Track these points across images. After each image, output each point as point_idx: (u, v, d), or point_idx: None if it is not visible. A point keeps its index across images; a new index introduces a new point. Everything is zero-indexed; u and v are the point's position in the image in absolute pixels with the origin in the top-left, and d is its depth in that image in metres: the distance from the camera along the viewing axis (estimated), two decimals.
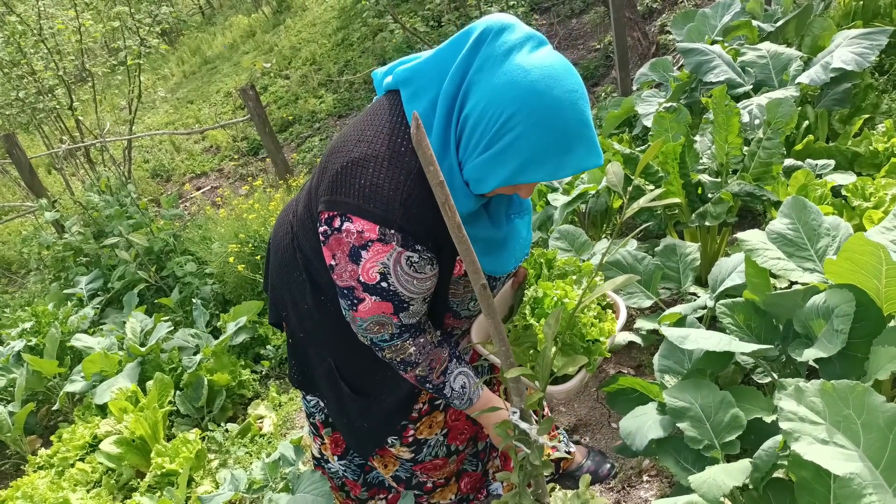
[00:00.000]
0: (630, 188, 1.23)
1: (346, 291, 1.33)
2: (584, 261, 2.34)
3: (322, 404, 1.79)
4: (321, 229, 1.31)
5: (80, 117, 6.40)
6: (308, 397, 1.82)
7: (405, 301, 1.32)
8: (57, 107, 6.23)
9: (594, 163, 1.19)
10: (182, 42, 13.06)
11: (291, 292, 1.62)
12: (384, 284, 1.28)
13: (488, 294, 1.20)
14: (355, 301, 1.33)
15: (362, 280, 1.29)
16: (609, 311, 1.55)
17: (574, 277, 1.56)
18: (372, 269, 1.27)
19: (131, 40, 6.33)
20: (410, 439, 1.67)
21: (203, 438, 2.99)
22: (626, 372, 2.41)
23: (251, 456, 2.88)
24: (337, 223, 1.26)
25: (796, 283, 1.76)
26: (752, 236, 1.77)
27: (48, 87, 6.19)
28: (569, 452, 2.09)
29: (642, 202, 1.13)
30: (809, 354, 1.50)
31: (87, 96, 7.32)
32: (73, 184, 6.66)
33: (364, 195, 1.23)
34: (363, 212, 1.23)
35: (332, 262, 1.31)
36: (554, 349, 1.46)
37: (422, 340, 1.41)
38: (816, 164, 2.57)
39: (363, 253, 1.26)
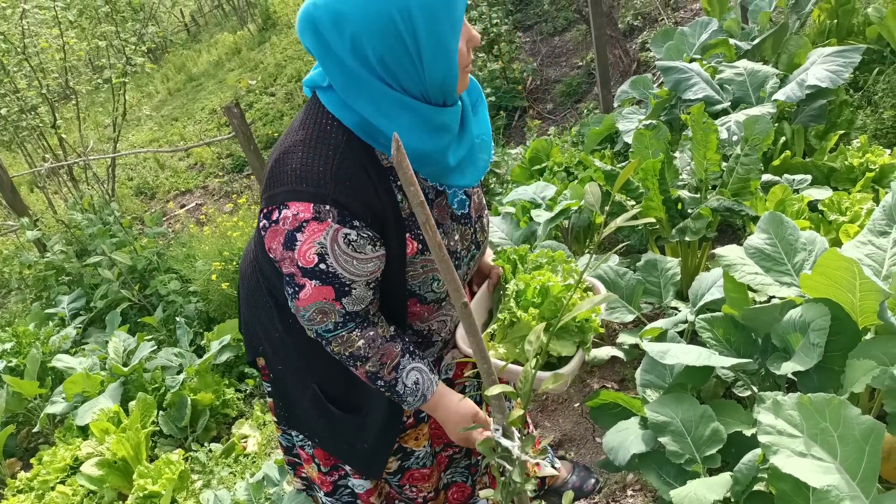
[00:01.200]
0: (609, 205, 1.25)
1: (287, 279, 1.29)
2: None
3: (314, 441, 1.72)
4: (261, 226, 1.28)
5: (63, 135, 6.37)
6: (293, 433, 1.78)
7: (346, 284, 1.27)
8: (40, 125, 6.20)
9: None
10: (167, 59, 13.06)
11: (262, 323, 1.58)
12: (322, 266, 1.24)
13: (469, 312, 1.21)
14: (297, 288, 1.28)
15: (300, 264, 1.24)
16: (590, 293, 1.61)
17: (549, 266, 1.58)
18: (309, 252, 1.23)
19: (116, 59, 6.32)
20: (395, 446, 1.66)
21: (186, 459, 2.97)
22: (609, 386, 2.43)
23: (235, 476, 2.86)
24: (274, 215, 1.24)
25: (774, 297, 1.79)
26: (730, 252, 1.80)
27: (31, 106, 6.16)
28: (555, 468, 2.10)
29: (619, 221, 1.15)
30: (787, 368, 1.52)
31: (71, 114, 7.29)
32: (56, 202, 6.61)
33: (296, 178, 1.22)
34: (296, 194, 1.21)
35: (274, 256, 1.28)
36: (545, 336, 1.48)
37: (371, 333, 1.35)
38: (794, 180, 2.61)
39: (298, 235, 1.22)
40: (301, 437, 1.76)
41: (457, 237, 1.42)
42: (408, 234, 1.32)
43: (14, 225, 5.37)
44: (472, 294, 1.74)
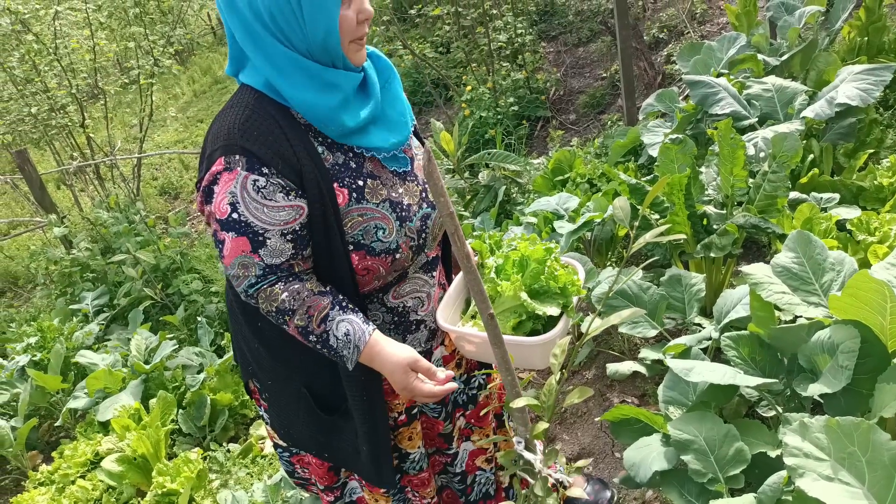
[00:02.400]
0: (638, 220, 1.25)
1: (214, 239, 1.35)
2: (588, 289, 2.37)
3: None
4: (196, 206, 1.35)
5: (91, 134, 6.47)
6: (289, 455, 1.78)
7: (259, 234, 1.29)
8: (69, 124, 6.30)
9: None
10: (193, 62, 13.22)
11: (244, 337, 1.59)
12: (235, 216, 1.27)
13: (495, 323, 1.22)
14: (220, 246, 1.32)
15: (217, 217, 1.29)
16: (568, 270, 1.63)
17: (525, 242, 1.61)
18: (223, 202, 1.28)
19: (144, 60, 6.42)
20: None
21: (205, 458, 2.99)
22: (629, 401, 2.41)
23: (252, 477, 2.88)
24: (202, 186, 1.32)
25: (800, 316, 1.77)
26: (757, 270, 1.79)
27: (60, 105, 6.27)
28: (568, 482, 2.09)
29: (649, 237, 1.15)
30: (814, 390, 1.50)
31: (99, 114, 7.41)
32: (82, 199, 6.71)
33: (212, 140, 1.32)
34: (213, 155, 1.30)
35: (205, 220, 1.35)
36: (526, 296, 1.49)
37: (296, 286, 1.34)
38: (821, 198, 2.59)
39: (215, 188, 1.29)
40: (297, 464, 1.76)
41: (400, 190, 1.43)
42: (335, 184, 1.34)
43: (42, 221, 5.46)
44: (447, 271, 1.75)
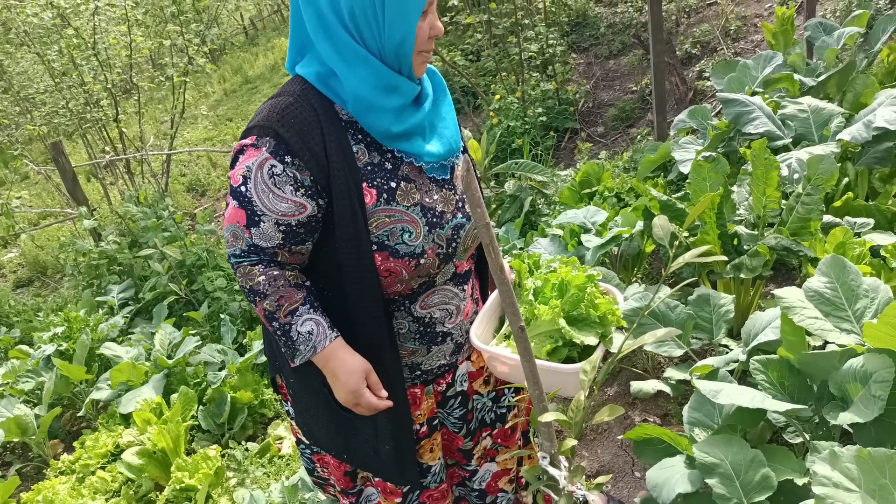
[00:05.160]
0: (675, 241, 1.24)
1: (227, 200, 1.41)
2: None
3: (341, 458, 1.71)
4: None
5: (123, 129, 6.58)
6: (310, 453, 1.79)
7: (257, 214, 1.33)
8: (102, 118, 6.42)
9: None
10: (225, 60, 13.40)
11: (268, 335, 1.61)
12: (243, 189, 1.32)
13: (525, 336, 1.21)
14: (227, 206, 1.38)
15: (231, 183, 1.35)
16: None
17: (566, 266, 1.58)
18: (238, 172, 1.33)
19: (178, 58, 6.52)
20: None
21: (223, 455, 3.01)
22: (651, 420, 2.39)
23: (269, 477, 2.89)
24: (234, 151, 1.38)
25: (831, 342, 1.74)
26: (789, 294, 1.76)
27: (95, 99, 6.39)
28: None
29: (688, 257, 1.14)
30: (845, 418, 1.48)
31: (132, 109, 7.52)
32: (112, 192, 6.82)
33: (254, 118, 1.36)
34: (249, 130, 1.35)
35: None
36: (564, 322, 1.48)
37: (274, 273, 1.38)
38: (855, 223, 2.55)
39: (240, 157, 1.34)
40: (317, 463, 1.77)
41: (435, 196, 1.43)
42: (364, 184, 1.36)
43: (72, 213, 5.55)
44: (483, 286, 1.73)
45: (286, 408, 1.75)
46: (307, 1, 1.31)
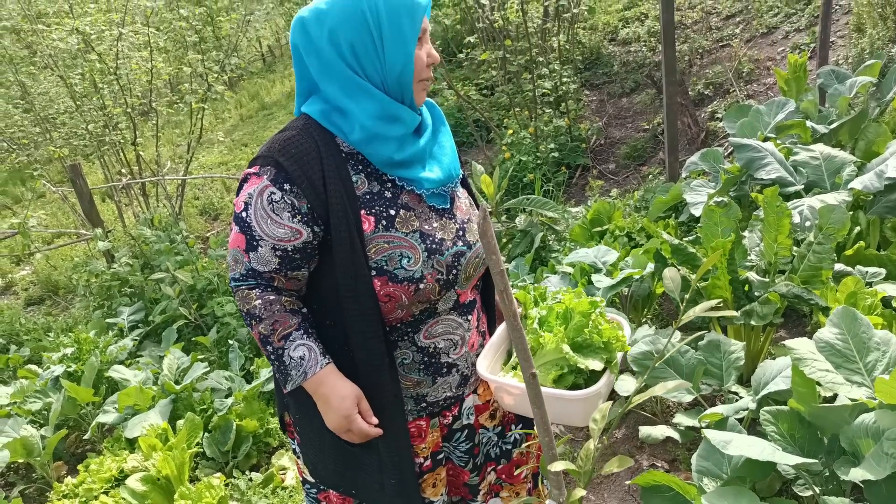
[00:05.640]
0: (686, 294, 1.26)
1: None
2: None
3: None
4: None
5: (140, 152, 6.68)
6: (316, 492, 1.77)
7: (255, 239, 1.38)
8: (121, 140, 6.52)
9: None
10: (242, 86, 13.62)
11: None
12: (244, 215, 1.39)
13: (537, 383, 1.22)
14: (230, 231, 1.45)
15: (235, 210, 1.42)
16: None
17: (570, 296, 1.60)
18: (241, 198, 1.40)
19: (198, 84, 6.64)
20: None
21: (226, 484, 3.00)
22: (659, 465, 2.37)
23: None
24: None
25: (841, 395, 1.74)
26: (800, 345, 1.77)
27: (115, 122, 6.50)
28: None
29: (699, 310, 1.15)
30: (856, 475, 1.47)
31: (150, 132, 7.65)
32: (126, 214, 6.90)
33: (260, 149, 1.43)
34: (255, 160, 1.42)
35: None
36: (569, 349, 1.48)
37: (271, 297, 1.43)
38: (867, 272, 2.55)
39: (244, 185, 1.41)
40: (322, 502, 1.75)
41: (435, 224, 1.47)
42: (363, 211, 1.41)
43: (86, 234, 5.61)
44: (490, 320, 1.74)
45: (293, 446, 1.75)
46: (308, 50, 1.40)
